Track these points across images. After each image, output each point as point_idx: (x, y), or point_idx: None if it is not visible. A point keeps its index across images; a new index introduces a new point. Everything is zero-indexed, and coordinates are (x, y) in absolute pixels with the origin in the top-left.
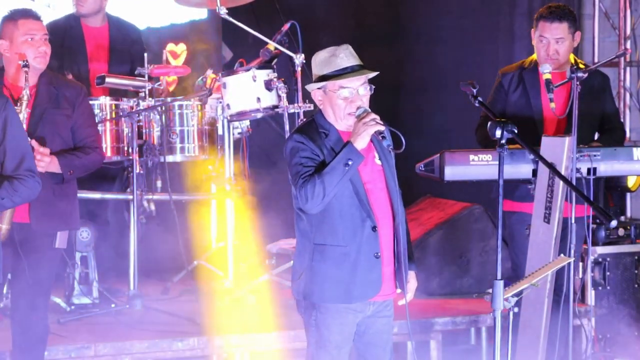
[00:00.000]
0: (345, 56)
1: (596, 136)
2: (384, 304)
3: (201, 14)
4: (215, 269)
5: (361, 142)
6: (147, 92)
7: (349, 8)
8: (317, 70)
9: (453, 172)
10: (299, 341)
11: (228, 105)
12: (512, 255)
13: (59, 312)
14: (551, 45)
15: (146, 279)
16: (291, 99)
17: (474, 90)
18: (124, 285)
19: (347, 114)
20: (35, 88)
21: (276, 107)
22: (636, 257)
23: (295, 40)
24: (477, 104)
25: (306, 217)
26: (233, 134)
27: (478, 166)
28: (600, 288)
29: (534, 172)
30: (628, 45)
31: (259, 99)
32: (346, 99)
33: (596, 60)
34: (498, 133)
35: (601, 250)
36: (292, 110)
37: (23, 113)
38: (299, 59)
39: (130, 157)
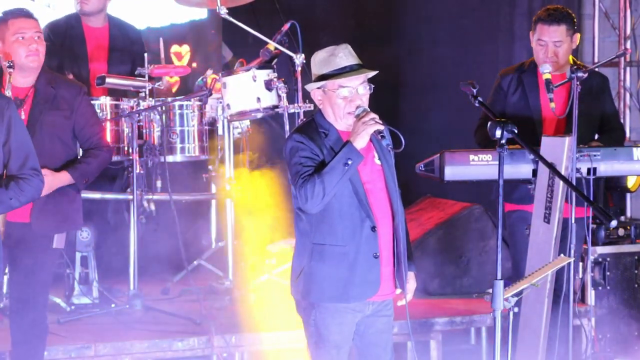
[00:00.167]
0: (344, 55)
1: (596, 137)
2: (384, 304)
3: (201, 14)
4: (215, 269)
5: (360, 142)
6: (147, 92)
7: (349, 8)
8: (316, 69)
9: (453, 172)
10: (298, 341)
11: (228, 105)
12: (512, 254)
13: (59, 312)
14: (549, 48)
15: (146, 279)
16: (291, 99)
17: (474, 90)
18: (124, 285)
19: (347, 113)
20: (33, 89)
21: (276, 107)
22: (636, 257)
23: (295, 40)
24: (477, 104)
25: (305, 216)
26: (233, 134)
27: (478, 166)
28: (600, 288)
29: (534, 172)
30: (628, 45)
31: (259, 99)
32: (345, 98)
33: (596, 60)
34: (498, 133)
35: (601, 250)
36: (292, 110)
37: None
38: (299, 59)
39: (131, 157)
